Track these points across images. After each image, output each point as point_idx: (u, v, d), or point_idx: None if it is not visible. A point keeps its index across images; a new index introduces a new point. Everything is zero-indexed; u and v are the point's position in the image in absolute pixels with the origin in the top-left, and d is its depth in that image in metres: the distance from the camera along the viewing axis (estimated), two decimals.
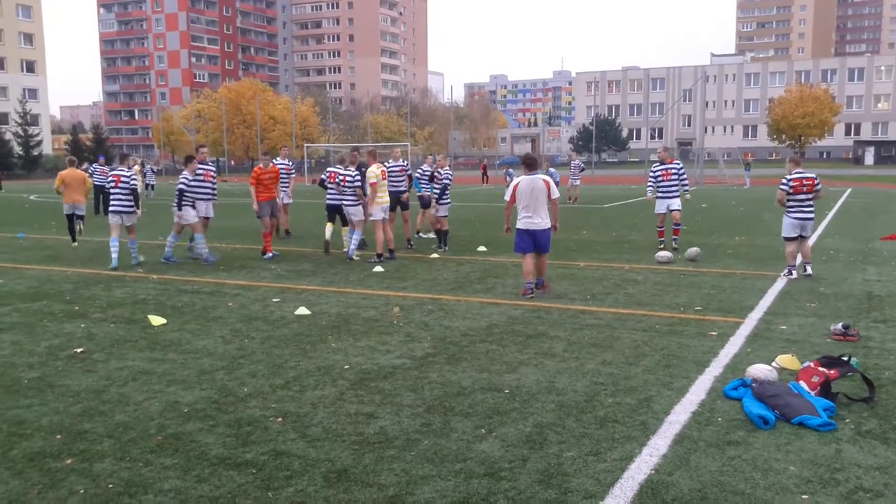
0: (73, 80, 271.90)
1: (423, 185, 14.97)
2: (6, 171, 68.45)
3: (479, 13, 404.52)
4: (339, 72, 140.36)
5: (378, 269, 11.69)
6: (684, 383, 5.80)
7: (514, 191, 9.84)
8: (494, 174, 54.68)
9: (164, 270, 11.85)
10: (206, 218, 13.68)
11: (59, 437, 4.78)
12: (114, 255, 12.04)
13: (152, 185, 34.39)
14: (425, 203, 14.88)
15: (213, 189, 13.80)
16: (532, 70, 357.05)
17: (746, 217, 21.00)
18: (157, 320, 8.05)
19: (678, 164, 14.14)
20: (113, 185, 12.39)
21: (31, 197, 35.81)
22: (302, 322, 8.06)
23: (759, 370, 5.65)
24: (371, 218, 12.84)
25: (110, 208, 12.47)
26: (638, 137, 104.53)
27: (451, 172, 14.77)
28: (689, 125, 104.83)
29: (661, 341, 7.10)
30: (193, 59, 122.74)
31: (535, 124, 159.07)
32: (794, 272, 10.57)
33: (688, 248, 13.17)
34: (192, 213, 12.88)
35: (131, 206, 12.23)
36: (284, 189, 15.98)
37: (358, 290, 9.95)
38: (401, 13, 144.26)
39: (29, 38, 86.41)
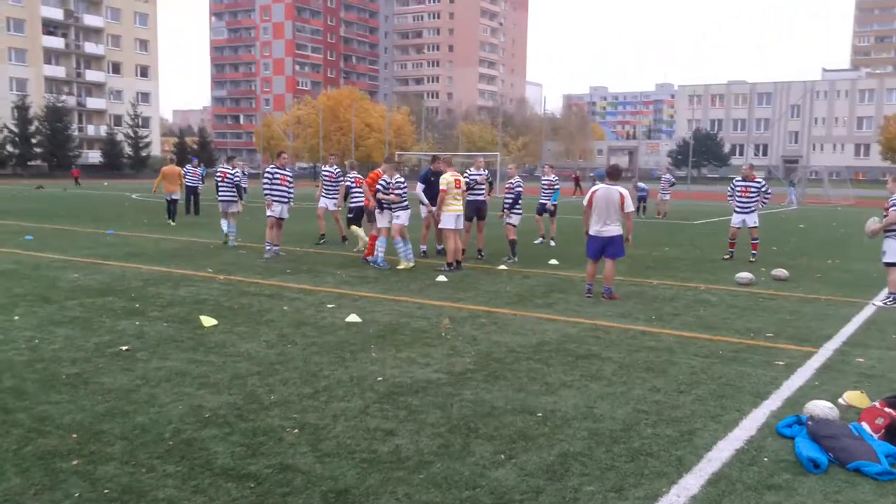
0: (186, 85, 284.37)
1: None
2: (116, 170, 72.12)
3: (581, 24, 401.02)
4: (438, 81, 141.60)
5: (442, 278, 11.49)
6: (735, 416, 5.33)
7: (592, 198, 9.97)
8: (588, 186, 53.52)
9: (235, 271, 11.98)
10: (281, 219, 14.07)
11: (74, 436, 4.75)
12: (224, 230, 15.88)
13: (244, 188, 35.21)
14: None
15: (290, 192, 14.24)
16: (633, 82, 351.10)
17: (844, 239, 19.78)
18: (208, 321, 8.07)
19: (760, 181, 13.96)
20: (220, 179, 16.01)
21: (133, 195, 37.41)
22: (350, 329, 7.92)
23: (818, 407, 5.12)
24: (441, 226, 12.70)
25: (218, 198, 15.98)
26: (741, 153, 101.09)
27: (521, 181, 14.50)
28: (795, 142, 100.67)
29: (720, 369, 6.61)
30: (297, 67, 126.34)
31: (634, 137, 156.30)
32: None
33: (776, 269, 12.54)
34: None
35: (233, 198, 15.76)
36: (333, 197, 16.15)
37: (415, 300, 9.77)
38: (501, 23, 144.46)
39: (144, 44, 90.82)
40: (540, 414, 5.32)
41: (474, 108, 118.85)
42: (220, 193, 15.92)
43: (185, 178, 23.73)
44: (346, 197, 15.69)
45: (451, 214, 12.52)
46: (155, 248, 14.96)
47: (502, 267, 13.00)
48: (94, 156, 78.40)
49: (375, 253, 12.82)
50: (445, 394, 5.75)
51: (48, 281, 10.70)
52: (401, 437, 4.82)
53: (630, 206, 9.91)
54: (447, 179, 12.51)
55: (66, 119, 72.60)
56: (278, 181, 14.06)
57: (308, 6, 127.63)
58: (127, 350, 6.92)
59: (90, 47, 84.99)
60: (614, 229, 9.91)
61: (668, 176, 27.68)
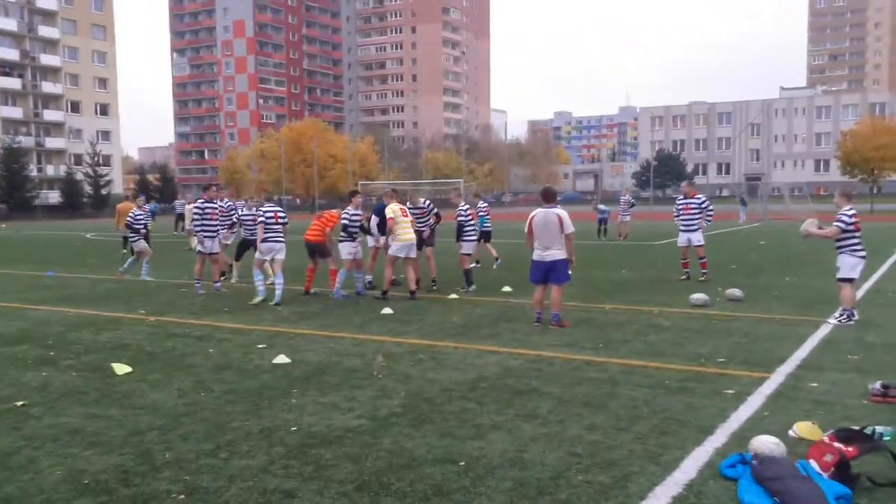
0: (151, 122, 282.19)
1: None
2: (76, 210, 70.85)
3: (543, 51, 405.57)
4: (403, 111, 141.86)
5: (387, 310, 10.97)
6: (676, 456, 4.87)
7: (531, 223, 9.59)
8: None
9: (169, 311, 11.37)
10: (213, 254, 13.73)
11: None
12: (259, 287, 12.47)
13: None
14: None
15: (220, 226, 14.25)
16: (597, 106, 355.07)
17: (804, 255, 19.59)
18: (121, 369, 7.47)
19: (700, 198, 14.19)
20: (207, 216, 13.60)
21: (88, 235, 36.46)
22: (275, 372, 7.37)
23: (763, 443, 4.67)
24: (390, 252, 12.27)
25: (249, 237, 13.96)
26: (704, 172, 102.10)
27: (465, 208, 14.21)
28: (757, 160, 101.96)
29: (665, 401, 6.16)
30: (261, 101, 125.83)
31: (599, 160, 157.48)
32: (855, 316, 9.46)
33: (732, 287, 12.23)
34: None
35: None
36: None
37: (354, 335, 9.24)
38: (463, 52, 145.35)
39: (103, 82, 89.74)
40: (463, 463, 4.81)
41: (440, 137, 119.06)
42: (246, 231, 14.27)
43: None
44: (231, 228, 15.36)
45: (404, 244, 12.14)
46: (91, 290, 14.29)
47: (453, 296, 12.52)
48: (53, 196, 76.96)
49: (336, 286, 12.64)
50: (362, 443, 5.23)
51: None
52: (300, 499, 4.29)
53: (569, 227, 9.49)
54: (393, 209, 12.18)
55: (22, 160, 71.23)
56: (209, 215, 13.64)
57: (270, 40, 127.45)
58: (22, 405, 6.31)
59: (48, 86, 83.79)
60: (556, 253, 9.50)
61: (627, 197, 27.50)
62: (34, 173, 77.68)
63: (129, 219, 16.69)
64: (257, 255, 12.45)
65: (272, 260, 12.46)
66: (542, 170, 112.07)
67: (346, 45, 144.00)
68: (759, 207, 43.81)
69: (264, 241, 12.31)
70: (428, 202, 13.78)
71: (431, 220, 13.68)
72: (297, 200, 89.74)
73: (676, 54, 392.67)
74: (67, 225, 51.09)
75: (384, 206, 12.87)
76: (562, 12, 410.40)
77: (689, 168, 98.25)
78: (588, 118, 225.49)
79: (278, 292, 12.03)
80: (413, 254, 12.42)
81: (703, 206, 14.37)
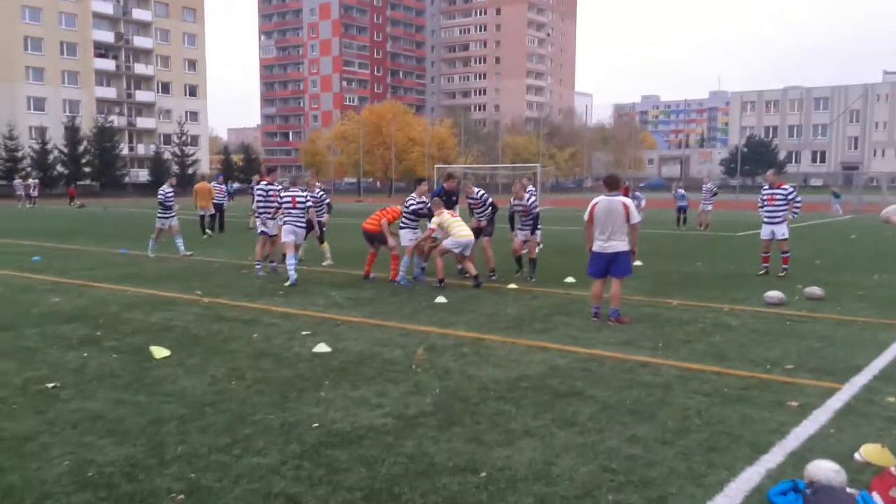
0: (241, 103, 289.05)
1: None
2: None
3: (632, 33, 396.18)
4: (485, 94, 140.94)
5: (441, 299, 10.65)
6: (722, 477, 4.38)
7: (592, 211, 9.09)
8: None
9: (224, 293, 11.34)
10: (273, 236, 13.91)
11: None
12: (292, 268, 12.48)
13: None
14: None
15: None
16: (687, 90, 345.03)
17: None
18: (160, 352, 7.38)
19: (787, 188, 13.09)
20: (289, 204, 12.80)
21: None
22: (312, 362, 7.14)
23: (821, 470, 4.12)
24: (445, 244, 12.00)
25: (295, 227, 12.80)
26: (797, 160, 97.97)
27: (531, 193, 13.27)
28: (855, 147, 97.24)
29: (720, 411, 5.63)
30: (344, 83, 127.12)
31: (687, 146, 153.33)
32: None
33: (813, 284, 11.43)
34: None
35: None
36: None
37: (401, 324, 8.95)
38: (548, 34, 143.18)
39: (192, 64, 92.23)
40: (484, 473, 4.44)
41: (521, 120, 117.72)
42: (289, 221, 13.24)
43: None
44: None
45: (461, 240, 11.89)
46: (156, 269, 14.45)
47: (512, 286, 12.10)
48: (143, 174, 79.69)
49: (399, 273, 12.39)
50: (383, 445, 4.92)
51: (25, 306, 10.18)
52: None
53: (636, 217, 8.98)
54: (440, 220, 12.17)
55: (114, 139, 73.88)
56: (271, 198, 13.76)
57: (355, 23, 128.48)
58: (53, 387, 6.25)
59: (140, 68, 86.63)
60: (619, 244, 8.98)
61: (709, 185, 26.38)
62: (125, 152, 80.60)
63: (159, 196, 17.11)
64: (282, 238, 12.67)
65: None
66: (626, 155, 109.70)
67: (430, 28, 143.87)
68: (853, 198, 41.58)
69: (284, 224, 12.55)
70: (481, 192, 13.34)
71: (489, 211, 13.19)
72: (378, 183, 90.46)
73: (772, 36, 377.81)
74: (153, 203, 52.74)
75: (441, 190, 12.61)
76: None
77: (782, 156, 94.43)
78: (677, 102, 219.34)
79: (291, 274, 12.29)
80: (468, 252, 12.16)
81: (790, 196, 13.47)
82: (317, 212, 14.74)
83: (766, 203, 13.62)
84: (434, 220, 12.18)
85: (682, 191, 27.44)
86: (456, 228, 11.94)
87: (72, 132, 69.48)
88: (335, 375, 6.64)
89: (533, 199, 13.02)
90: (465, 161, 75.50)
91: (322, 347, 7.61)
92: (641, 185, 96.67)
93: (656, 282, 12.66)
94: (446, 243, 11.93)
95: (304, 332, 8.46)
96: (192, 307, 10.20)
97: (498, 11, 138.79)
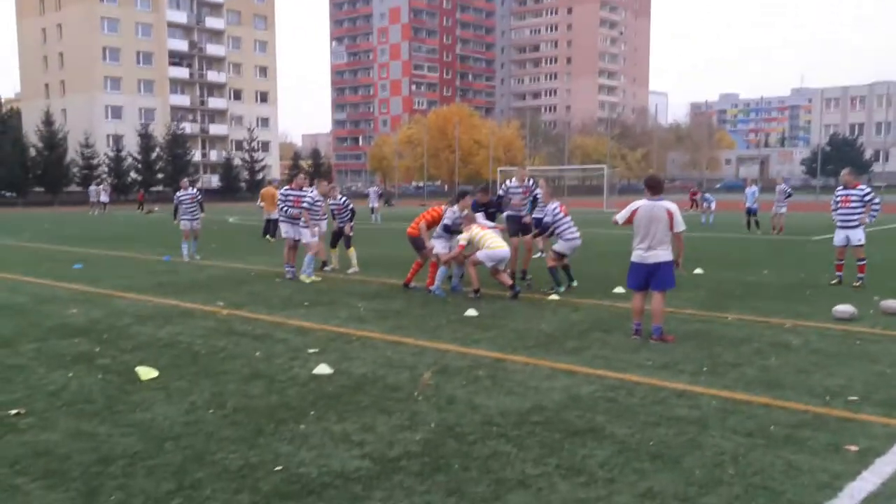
0: (314, 108, 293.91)
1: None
2: (234, 193, 74.33)
3: (709, 29, 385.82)
4: (556, 94, 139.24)
5: (471, 311, 9.85)
6: None
7: (632, 217, 8.22)
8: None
9: (248, 304, 10.82)
10: (297, 240, 13.83)
11: None
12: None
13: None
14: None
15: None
16: (768, 87, 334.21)
17: None
18: (146, 373, 6.81)
19: (863, 189, 11.75)
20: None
21: (230, 219, 37.59)
22: (307, 386, 6.46)
23: None
24: (478, 256, 11.24)
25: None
26: (885, 160, 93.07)
27: (555, 207, 12.01)
28: None
29: (761, 457, 4.70)
30: (414, 87, 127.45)
31: (767, 145, 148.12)
32: None
33: (891, 296, 10.21)
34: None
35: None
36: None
37: (419, 341, 8.20)
38: (621, 32, 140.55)
39: (263, 70, 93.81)
40: None
41: (592, 120, 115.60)
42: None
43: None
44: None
45: (495, 253, 11.09)
46: (192, 277, 14.07)
47: (553, 297, 11.21)
48: (214, 180, 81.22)
49: (436, 282, 11.69)
50: (347, 497, 4.18)
51: (39, 318, 9.85)
52: None
53: (680, 225, 8.02)
54: (471, 235, 11.33)
55: (186, 145, 75.50)
56: (291, 202, 13.84)
57: (424, 26, 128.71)
58: (16, 415, 5.73)
59: (213, 76, 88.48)
60: (662, 254, 8.03)
61: (783, 186, 24.75)
62: (198, 158, 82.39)
63: (175, 199, 17.55)
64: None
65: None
66: (703, 155, 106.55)
67: (500, 29, 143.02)
68: None
69: (282, 222, 13.69)
70: (531, 181, 12.50)
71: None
72: (446, 186, 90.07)
73: (856, 30, 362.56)
74: (220, 208, 53.44)
75: (475, 205, 11.93)
76: None
77: (868, 154, 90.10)
78: (757, 100, 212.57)
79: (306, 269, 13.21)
80: (503, 266, 11.36)
81: (867, 198, 12.15)
82: (340, 219, 14.62)
83: (840, 205, 12.36)
84: (462, 236, 11.41)
85: (750, 189, 25.87)
86: (489, 241, 11.12)
87: (146, 139, 71.27)
88: (324, 404, 5.93)
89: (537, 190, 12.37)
90: (532, 163, 74.32)
91: (323, 369, 6.93)
92: (717, 185, 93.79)
93: (714, 292, 11.57)
94: (479, 255, 11.15)
95: (311, 350, 7.80)
96: (208, 320, 9.68)
97: (569, 11, 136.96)
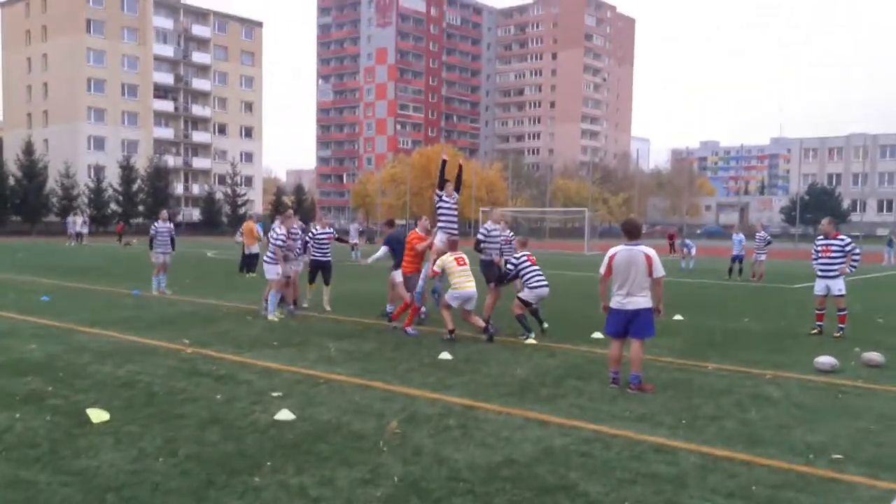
0: (299, 145, 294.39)
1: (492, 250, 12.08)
2: (215, 227, 73.77)
3: (689, 78, 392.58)
4: (539, 138, 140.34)
5: (445, 355, 9.56)
6: None
7: (610, 263, 7.97)
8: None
9: (215, 343, 10.44)
10: (288, 277, 13.68)
11: None
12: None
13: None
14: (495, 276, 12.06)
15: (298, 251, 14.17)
16: (747, 136, 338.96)
17: None
18: (97, 416, 6.44)
19: (843, 239, 11.72)
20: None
21: (209, 253, 37.12)
22: (266, 433, 6.12)
23: None
24: (446, 298, 11.04)
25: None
26: (862, 209, 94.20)
27: (522, 256, 11.74)
28: None
29: None
30: (399, 127, 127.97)
31: (747, 192, 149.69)
32: None
33: (873, 348, 10.03)
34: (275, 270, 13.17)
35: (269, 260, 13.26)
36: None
37: (388, 386, 7.88)
38: (605, 79, 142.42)
39: (249, 106, 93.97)
40: None
41: (575, 164, 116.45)
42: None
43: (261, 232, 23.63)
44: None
45: (463, 293, 10.90)
46: (161, 313, 13.67)
47: (531, 341, 10.93)
48: (196, 213, 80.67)
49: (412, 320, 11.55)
50: None
51: None
52: None
53: (659, 270, 7.81)
54: (445, 261, 11.08)
55: (167, 178, 75.04)
56: (283, 240, 13.55)
57: (410, 67, 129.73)
58: None
59: (197, 110, 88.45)
60: (640, 300, 7.81)
61: (762, 234, 24.76)
62: (180, 192, 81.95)
63: (151, 230, 17.58)
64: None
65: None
66: (683, 201, 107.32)
67: (486, 72, 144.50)
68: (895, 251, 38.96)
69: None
70: (509, 231, 12.31)
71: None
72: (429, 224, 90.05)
73: (835, 81, 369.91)
74: (200, 242, 52.89)
75: (399, 236, 12.57)
76: (712, 37, 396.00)
77: (846, 204, 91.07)
78: (737, 148, 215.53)
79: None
80: (471, 306, 11.09)
81: (847, 248, 12.04)
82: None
83: (820, 255, 12.24)
84: (438, 262, 11.15)
85: (738, 237, 25.83)
86: (457, 279, 10.88)
87: (127, 171, 70.76)
88: (283, 453, 5.60)
89: (515, 258, 11.91)
90: (514, 204, 74.51)
91: (285, 414, 6.59)
92: (698, 231, 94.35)
93: (693, 340, 11.35)
94: (448, 298, 10.93)
95: (274, 394, 7.46)
96: (171, 358, 9.30)
97: (554, 56, 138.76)
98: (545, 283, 11.53)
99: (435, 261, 11.38)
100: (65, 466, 5.25)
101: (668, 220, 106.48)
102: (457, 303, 10.88)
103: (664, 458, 5.63)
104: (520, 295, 11.53)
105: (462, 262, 11.04)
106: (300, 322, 12.79)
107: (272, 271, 13.10)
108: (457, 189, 12.37)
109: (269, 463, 5.38)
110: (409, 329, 11.42)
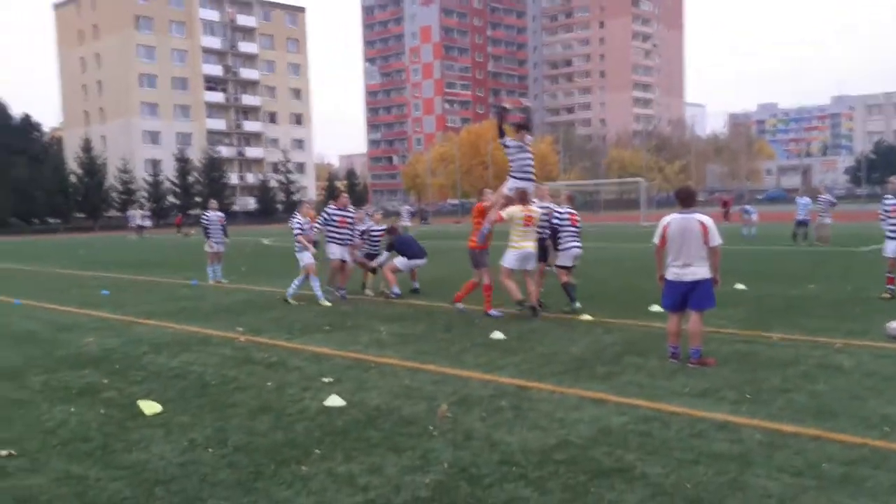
0: (351, 130, 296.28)
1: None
2: (270, 215, 74.73)
3: (743, 39, 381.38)
4: (590, 108, 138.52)
5: (498, 334, 9.37)
6: None
7: (664, 233, 7.64)
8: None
9: (268, 330, 10.46)
10: (343, 261, 13.64)
11: None
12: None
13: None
14: None
15: (351, 234, 13.82)
16: (807, 96, 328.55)
17: None
18: (150, 408, 6.45)
19: None
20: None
21: (265, 241, 37.54)
22: (315, 420, 6.04)
23: None
24: (503, 264, 10.68)
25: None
26: None
27: (559, 211, 11.54)
28: None
29: (814, 500, 4.17)
30: (446, 105, 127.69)
31: (808, 155, 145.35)
32: None
33: None
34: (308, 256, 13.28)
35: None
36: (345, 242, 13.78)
37: (440, 368, 7.74)
38: (655, 45, 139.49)
39: (297, 93, 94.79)
40: None
41: (628, 133, 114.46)
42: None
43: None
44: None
45: (519, 253, 10.56)
46: (216, 303, 13.76)
47: (586, 316, 10.66)
48: (251, 202, 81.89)
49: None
50: None
51: (53, 347, 9.59)
52: None
53: (716, 239, 7.47)
54: (512, 211, 10.53)
55: (222, 168, 76.25)
56: (336, 222, 13.48)
57: (456, 44, 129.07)
58: (8, 456, 5.39)
59: (247, 99, 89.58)
60: (698, 271, 7.48)
61: (826, 196, 23.87)
62: (235, 181, 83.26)
63: (202, 220, 17.85)
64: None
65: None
66: (742, 166, 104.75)
67: (532, 45, 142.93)
68: None
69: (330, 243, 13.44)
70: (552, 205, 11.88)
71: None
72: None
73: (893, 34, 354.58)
74: (257, 230, 53.69)
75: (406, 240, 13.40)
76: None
77: None
78: (796, 109, 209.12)
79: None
80: (531, 265, 10.78)
81: None
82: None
83: (889, 215, 11.69)
84: (506, 211, 10.58)
85: (802, 200, 24.94)
86: (516, 237, 10.56)
87: (182, 163, 72.14)
88: (332, 440, 5.50)
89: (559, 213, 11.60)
90: (567, 177, 73.62)
91: (335, 400, 6.50)
92: (759, 197, 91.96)
93: (757, 309, 10.94)
94: (503, 262, 10.62)
95: (325, 379, 7.39)
96: (225, 347, 9.33)
97: (601, 25, 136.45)
98: (578, 244, 11.38)
99: (501, 207, 10.75)
100: (115, 460, 5.25)
101: (727, 186, 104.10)
102: (517, 263, 10.53)
103: (727, 436, 5.36)
104: (557, 262, 11.29)
105: (529, 223, 10.55)
106: (352, 306, 12.74)
107: (304, 257, 13.24)
108: (524, 128, 11.12)
109: (317, 451, 5.29)
110: (493, 311, 11.00)
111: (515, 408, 6.23)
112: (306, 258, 13.23)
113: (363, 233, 14.37)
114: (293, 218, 13.91)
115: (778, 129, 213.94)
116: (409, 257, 13.73)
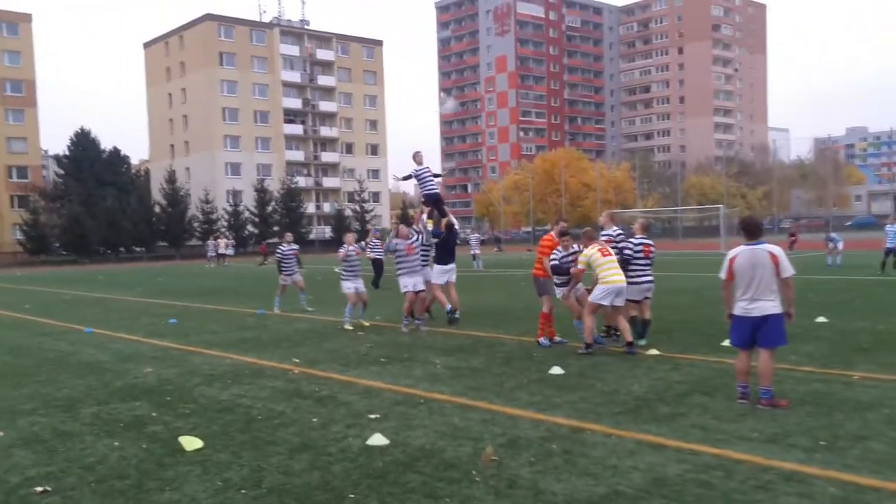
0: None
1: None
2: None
3: (829, 63, 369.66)
4: (669, 135, 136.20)
5: (556, 370, 8.97)
6: None
7: (731, 266, 7.19)
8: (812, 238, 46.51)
9: (323, 361, 10.31)
10: (417, 292, 13.29)
11: None
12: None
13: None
14: None
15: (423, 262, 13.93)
16: None
17: None
18: (191, 444, 6.33)
19: None
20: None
21: (336, 269, 37.80)
22: (356, 461, 5.79)
23: None
24: (592, 299, 10.18)
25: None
26: None
27: (633, 241, 10.91)
28: None
29: None
30: (521, 133, 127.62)
31: None
32: None
33: None
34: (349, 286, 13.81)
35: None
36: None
37: (491, 405, 7.40)
38: (736, 69, 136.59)
39: (373, 124, 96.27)
40: None
41: (709, 160, 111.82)
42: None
43: (366, 249, 23.19)
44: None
45: (611, 287, 10.04)
46: (277, 332, 13.77)
47: (653, 351, 10.14)
48: (327, 231, 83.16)
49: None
50: None
51: (111, 377, 9.66)
52: None
53: (788, 270, 6.95)
54: (589, 254, 10.17)
55: (299, 198, 77.74)
56: (403, 253, 13.29)
57: (531, 73, 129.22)
58: (42, 492, 5.33)
59: (325, 131, 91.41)
60: (768, 305, 6.96)
61: None
62: (312, 210, 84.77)
63: (277, 254, 18.19)
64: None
65: None
66: (829, 192, 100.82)
67: (609, 72, 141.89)
68: None
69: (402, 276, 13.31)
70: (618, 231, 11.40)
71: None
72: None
73: None
74: (330, 259, 54.22)
75: (440, 234, 13.27)
76: (850, 16, 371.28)
77: None
78: (889, 132, 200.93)
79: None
80: (621, 301, 10.22)
81: None
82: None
83: None
84: (581, 256, 10.29)
85: (892, 227, 23.52)
86: (605, 271, 10.05)
87: (261, 194, 73.90)
88: (368, 484, 5.24)
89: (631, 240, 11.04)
90: (644, 205, 72.23)
91: (378, 439, 6.25)
92: (847, 223, 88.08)
93: (838, 345, 10.21)
94: (594, 297, 10.16)
95: (371, 416, 7.15)
96: (277, 379, 9.21)
97: (680, 51, 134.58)
98: (650, 277, 10.88)
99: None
100: (147, 499, 5.11)
101: (813, 212, 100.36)
102: (608, 299, 10.08)
103: (796, 489, 4.87)
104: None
105: (607, 253, 10.18)
106: (411, 337, 12.51)
107: (343, 286, 14.01)
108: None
109: (351, 495, 5.04)
110: (543, 339, 10.87)
111: (566, 452, 5.85)
112: (344, 287, 13.87)
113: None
114: (344, 246, 14.29)
115: (868, 153, 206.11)
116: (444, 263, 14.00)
